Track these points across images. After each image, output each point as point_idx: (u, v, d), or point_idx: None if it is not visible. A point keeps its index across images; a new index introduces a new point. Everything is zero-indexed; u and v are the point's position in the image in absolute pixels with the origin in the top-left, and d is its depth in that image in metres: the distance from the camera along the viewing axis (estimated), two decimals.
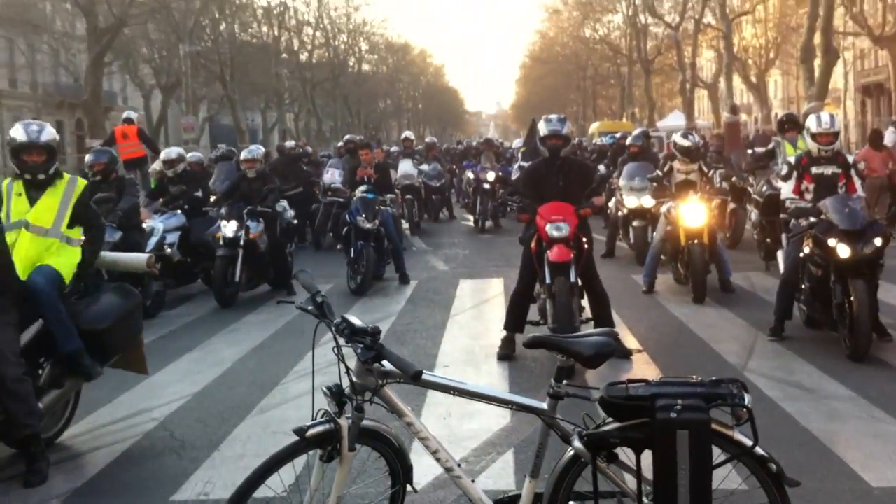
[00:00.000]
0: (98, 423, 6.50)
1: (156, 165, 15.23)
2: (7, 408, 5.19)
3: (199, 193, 12.86)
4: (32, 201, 5.85)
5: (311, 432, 3.47)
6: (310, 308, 3.61)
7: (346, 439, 3.49)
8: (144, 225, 11.27)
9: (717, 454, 3.39)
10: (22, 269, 5.65)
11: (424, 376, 3.43)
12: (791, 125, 12.24)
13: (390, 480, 3.78)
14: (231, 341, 9.24)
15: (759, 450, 3.38)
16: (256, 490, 3.50)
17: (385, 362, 3.44)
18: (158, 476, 5.39)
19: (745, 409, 3.33)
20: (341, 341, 3.51)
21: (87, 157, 11.12)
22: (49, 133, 5.99)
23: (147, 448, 5.95)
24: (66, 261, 5.90)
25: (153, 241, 11.33)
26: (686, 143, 11.29)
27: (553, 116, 8.25)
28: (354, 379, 3.53)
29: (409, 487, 3.78)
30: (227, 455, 5.68)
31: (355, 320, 3.51)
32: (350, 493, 4.16)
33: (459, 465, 3.62)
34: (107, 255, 6.84)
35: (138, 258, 7.14)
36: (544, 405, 3.52)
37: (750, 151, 14.58)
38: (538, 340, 3.67)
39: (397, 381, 3.53)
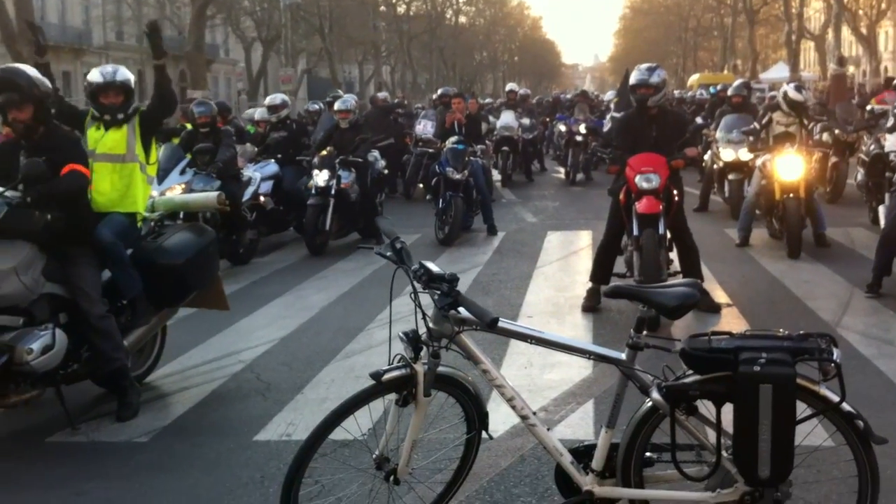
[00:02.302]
0: (187, 365, 6.67)
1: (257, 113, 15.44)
2: (94, 344, 5.38)
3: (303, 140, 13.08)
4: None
5: (386, 377, 3.47)
6: (388, 254, 3.60)
7: (421, 384, 3.49)
8: (242, 174, 11.47)
9: (802, 409, 3.28)
10: (107, 202, 5.84)
11: (501, 324, 3.39)
12: None
13: (466, 426, 3.77)
14: (320, 288, 9.36)
15: (846, 406, 3.26)
16: (332, 432, 3.52)
17: (462, 309, 3.40)
18: (243, 416, 5.51)
19: (832, 364, 3.21)
20: (418, 287, 3.49)
21: (193, 109, 11.32)
22: (124, 74, 6.08)
23: (233, 389, 6.09)
24: (143, 197, 6.04)
25: (250, 190, 11.52)
26: (799, 97, 10.89)
27: (643, 65, 7.93)
28: (431, 325, 3.51)
29: (484, 434, 3.76)
30: (311, 398, 5.77)
31: (433, 267, 3.48)
32: (426, 437, 4.18)
33: (535, 414, 3.58)
34: (176, 196, 6.98)
35: (208, 197, 7.26)
36: (623, 356, 3.45)
37: (867, 108, 14.00)
38: (620, 290, 3.59)
39: (474, 329, 3.49)
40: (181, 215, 9.13)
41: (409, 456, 3.61)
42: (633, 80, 7.78)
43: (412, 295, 3.48)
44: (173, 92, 6.35)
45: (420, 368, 3.49)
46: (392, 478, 3.60)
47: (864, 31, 44.66)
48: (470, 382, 3.69)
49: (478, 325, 3.43)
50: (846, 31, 44.81)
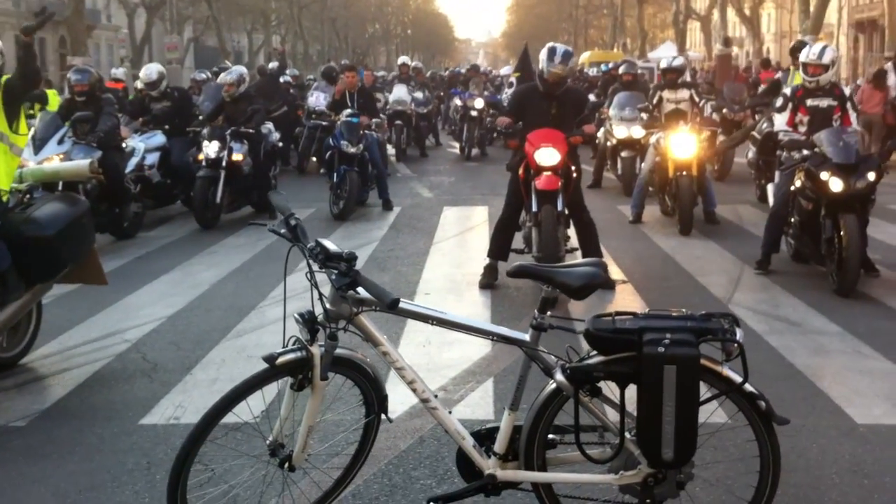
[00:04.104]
0: (68, 345, 6.35)
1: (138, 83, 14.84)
2: None
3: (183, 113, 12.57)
4: None
5: (281, 360, 3.29)
6: (282, 231, 3.42)
7: (318, 367, 3.32)
8: (125, 145, 11.02)
9: (705, 390, 3.26)
10: None
11: (402, 305, 3.26)
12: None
13: (364, 409, 3.63)
14: (210, 264, 9.07)
15: (748, 386, 3.24)
16: (224, 417, 3.34)
17: (360, 289, 3.26)
18: (128, 399, 5.25)
19: (736, 345, 3.18)
20: (315, 266, 3.32)
21: (70, 76, 10.80)
22: None
23: (118, 370, 5.80)
24: (6, 169, 5.68)
25: (133, 161, 11.11)
26: (673, 63, 11.09)
27: (558, 49, 7.65)
28: (328, 306, 3.35)
29: (383, 417, 3.63)
30: (200, 379, 5.54)
31: (330, 245, 3.32)
32: (324, 420, 4.04)
33: (436, 396, 3.46)
34: (46, 166, 6.60)
35: (80, 164, 6.91)
36: (526, 336, 3.36)
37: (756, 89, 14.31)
38: (523, 270, 3.49)
39: (373, 310, 3.36)
40: (60, 185, 8.73)
41: (305, 441, 3.45)
42: (548, 67, 7.54)
43: (308, 274, 3.32)
44: (37, 69, 5.93)
45: (317, 351, 3.33)
46: (287, 464, 3.44)
47: (747, 12, 45.85)
48: (369, 365, 3.55)
49: (377, 307, 3.29)
50: (731, 13, 45.92)
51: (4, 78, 5.71)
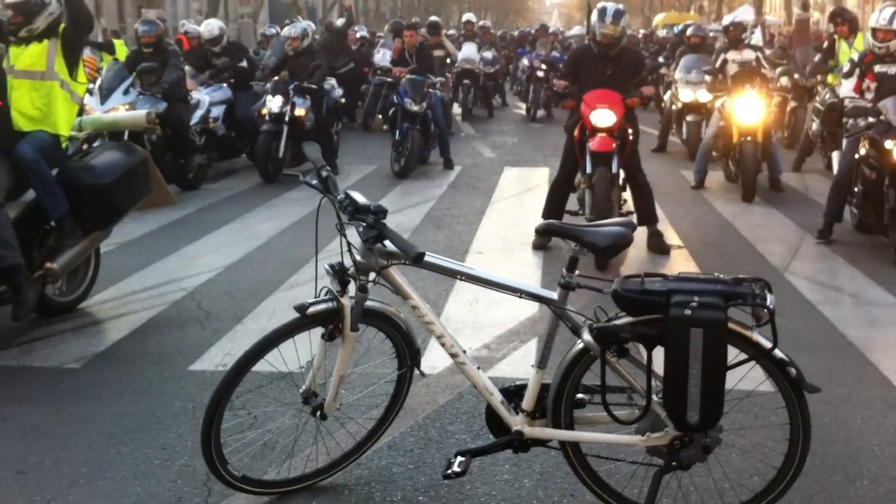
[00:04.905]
0: (127, 291, 6.54)
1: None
2: None
3: (245, 64, 12.69)
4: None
5: (312, 309, 3.37)
6: (314, 182, 3.48)
7: (348, 318, 3.39)
8: (191, 97, 11.19)
9: (735, 355, 3.24)
10: (27, 121, 5.64)
11: (428, 258, 3.29)
12: (842, 19, 11.61)
13: (397, 362, 3.70)
14: (269, 216, 9.22)
15: (778, 352, 3.20)
16: (255, 364, 3.44)
17: (387, 242, 3.30)
18: (180, 345, 5.40)
19: (766, 310, 3.15)
20: (344, 218, 3.37)
21: (137, 27, 11.00)
22: None
23: (173, 317, 5.97)
24: (66, 116, 5.82)
25: (198, 113, 11.27)
26: (736, 18, 10.88)
27: (609, 8, 7.51)
28: (358, 258, 3.41)
29: (416, 371, 3.69)
30: (251, 328, 5.67)
31: (359, 197, 3.36)
32: (355, 372, 4.11)
33: (465, 352, 3.50)
34: (105, 115, 6.73)
35: (137, 115, 7.05)
36: (555, 295, 3.37)
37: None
38: (551, 228, 3.50)
39: (402, 263, 3.40)
40: (125, 135, 8.91)
41: (336, 391, 3.53)
42: (597, 28, 7.46)
43: (337, 225, 3.38)
44: (87, 11, 6.04)
45: (347, 302, 3.39)
46: (319, 412, 3.53)
47: None
48: (401, 319, 3.60)
49: (405, 260, 3.33)
50: None
51: (61, 26, 5.85)
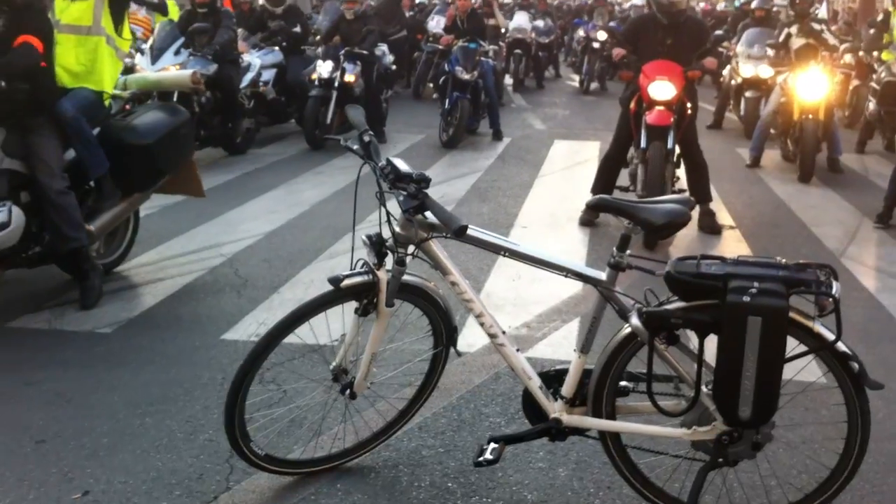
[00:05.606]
0: (166, 255, 6.44)
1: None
2: (53, 222, 5.12)
3: (298, 29, 12.52)
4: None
5: (346, 282, 3.19)
6: (355, 147, 3.30)
7: (383, 293, 3.21)
8: (242, 59, 11.05)
9: (793, 345, 3.01)
10: (72, 78, 5.53)
11: (471, 232, 3.10)
12: None
13: (433, 341, 3.52)
14: (315, 183, 9.08)
15: (841, 345, 2.97)
16: (286, 336, 3.27)
17: (428, 213, 3.11)
18: (214, 313, 5.28)
19: (831, 299, 2.91)
20: (385, 186, 3.19)
21: None
22: None
23: (209, 283, 5.85)
24: (111, 72, 5.69)
25: (248, 76, 11.12)
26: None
27: None
28: (397, 229, 3.22)
29: (452, 350, 3.51)
30: (287, 297, 5.53)
31: (401, 164, 3.16)
32: (390, 349, 3.95)
33: (504, 332, 3.30)
34: (150, 74, 6.59)
35: (182, 74, 6.91)
36: (603, 275, 3.16)
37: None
38: (604, 202, 3.27)
39: (443, 236, 3.21)
40: (175, 96, 8.80)
41: (367, 370, 3.37)
42: None
43: (377, 194, 3.19)
44: None
45: (383, 275, 3.21)
46: (349, 391, 3.37)
47: None
48: (440, 295, 3.42)
49: (447, 233, 3.14)
50: None
51: None
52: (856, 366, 3.00)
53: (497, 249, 3.24)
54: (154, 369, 4.45)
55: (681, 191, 7.54)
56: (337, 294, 3.22)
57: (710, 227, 7.33)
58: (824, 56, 9.88)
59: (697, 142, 7.54)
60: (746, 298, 2.86)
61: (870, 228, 7.66)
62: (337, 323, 3.47)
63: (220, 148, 10.51)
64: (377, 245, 3.20)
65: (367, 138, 3.28)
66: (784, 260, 3.03)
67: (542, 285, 5.71)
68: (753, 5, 14.17)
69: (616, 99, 8.05)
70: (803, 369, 3.13)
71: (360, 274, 3.23)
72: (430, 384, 3.59)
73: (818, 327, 2.99)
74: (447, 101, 11.49)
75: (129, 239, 6.05)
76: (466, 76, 11.44)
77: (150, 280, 5.89)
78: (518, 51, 17.86)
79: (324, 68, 11.06)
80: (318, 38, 12.76)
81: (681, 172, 7.62)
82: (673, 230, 3.14)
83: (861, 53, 12.55)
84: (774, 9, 16.16)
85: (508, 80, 17.73)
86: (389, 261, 3.22)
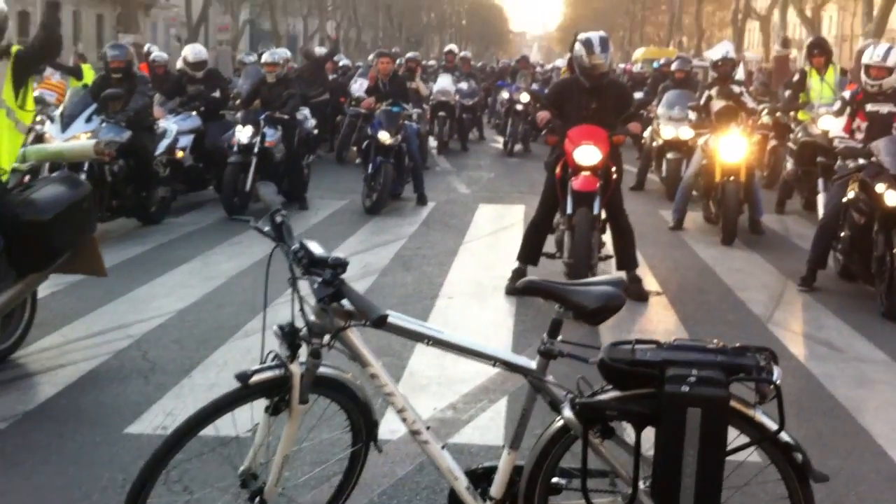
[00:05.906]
0: (70, 338, 6.05)
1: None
2: None
3: (218, 94, 12.27)
4: None
5: (255, 378, 2.93)
6: (266, 229, 3.06)
7: (296, 389, 2.95)
8: (157, 125, 10.74)
9: (734, 435, 2.84)
10: None
11: (392, 320, 2.89)
12: (820, 51, 11.35)
13: (351, 437, 3.25)
14: (232, 254, 8.76)
15: (784, 435, 2.81)
16: (188, 441, 2.99)
17: (345, 301, 2.88)
18: (119, 403, 4.91)
19: (772, 386, 2.76)
20: (298, 272, 2.95)
21: (107, 52, 10.53)
22: None
23: (115, 369, 5.47)
24: (9, 147, 5.37)
25: (165, 143, 10.78)
26: (728, 54, 10.62)
27: (594, 38, 7.07)
28: (312, 318, 2.98)
29: (373, 446, 3.25)
30: (198, 383, 5.20)
31: (316, 248, 2.94)
32: (303, 449, 3.67)
33: (428, 428, 3.07)
34: (51, 145, 6.29)
35: (85, 145, 6.60)
36: (533, 364, 2.97)
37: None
38: (533, 286, 3.09)
39: (361, 325, 2.97)
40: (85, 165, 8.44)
41: (279, 474, 3.08)
42: (586, 60, 7.05)
43: (290, 280, 2.95)
44: (60, 35, 5.65)
45: (296, 370, 2.96)
46: (258, 498, 3.07)
47: (809, 13, 44.60)
48: (358, 387, 3.17)
49: (366, 321, 2.91)
50: (791, 13, 44.73)
51: (15, 48, 5.42)
52: (800, 456, 2.85)
53: (420, 338, 3.03)
54: (49, 470, 4.07)
55: (607, 257, 7.44)
56: (245, 392, 2.96)
57: (637, 295, 7.20)
58: (744, 118, 9.98)
59: (623, 207, 7.47)
60: (685, 388, 2.70)
61: (794, 292, 7.64)
62: (248, 413, 3.18)
63: (134, 218, 10.13)
64: (290, 336, 2.96)
65: (279, 219, 3.05)
66: (721, 343, 2.88)
67: (468, 363, 5.38)
68: (673, 67, 14.39)
69: (541, 161, 7.96)
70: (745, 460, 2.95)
71: (270, 368, 2.97)
72: (350, 483, 3.32)
73: (760, 416, 2.84)
74: (370, 165, 11.32)
75: (26, 322, 5.61)
76: (390, 140, 11.29)
77: (50, 367, 5.49)
78: (442, 113, 17.82)
79: (243, 134, 10.78)
80: (237, 102, 12.51)
81: (606, 238, 7.53)
82: (606, 315, 2.96)
83: (778, 114, 12.76)
84: (693, 69, 16.45)
85: (433, 142, 17.65)
86: (304, 352, 2.97)
